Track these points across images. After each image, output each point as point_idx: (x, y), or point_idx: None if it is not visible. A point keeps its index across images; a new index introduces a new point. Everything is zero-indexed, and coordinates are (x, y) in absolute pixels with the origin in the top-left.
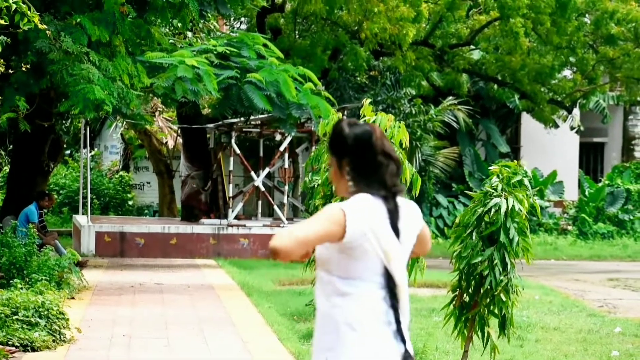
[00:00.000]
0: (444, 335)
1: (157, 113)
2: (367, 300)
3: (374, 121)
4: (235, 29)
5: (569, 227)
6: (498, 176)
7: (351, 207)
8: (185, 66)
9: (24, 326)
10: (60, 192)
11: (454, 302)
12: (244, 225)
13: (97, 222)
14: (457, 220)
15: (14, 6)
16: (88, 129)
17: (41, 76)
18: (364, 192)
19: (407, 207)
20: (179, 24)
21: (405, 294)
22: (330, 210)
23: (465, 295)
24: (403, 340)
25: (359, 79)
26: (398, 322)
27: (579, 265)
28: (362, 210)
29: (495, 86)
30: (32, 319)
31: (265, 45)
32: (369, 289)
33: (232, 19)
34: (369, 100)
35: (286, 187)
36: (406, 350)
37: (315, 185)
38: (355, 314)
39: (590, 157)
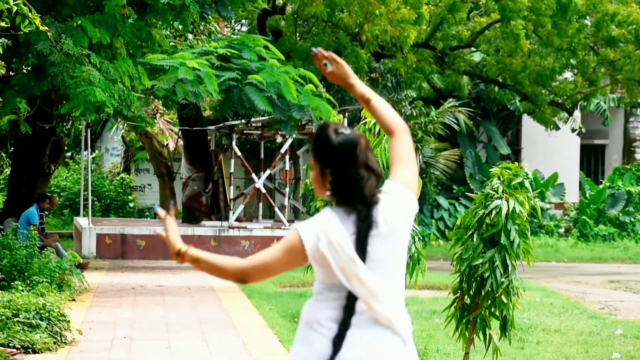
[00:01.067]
0: (445, 337)
1: (158, 115)
2: (332, 304)
3: (374, 123)
4: (236, 31)
5: (570, 230)
6: (499, 178)
7: (308, 227)
8: (186, 68)
9: (25, 328)
10: (61, 194)
11: (455, 304)
12: (245, 227)
13: (98, 224)
14: (458, 222)
15: (15, 8)
16: (89, 131)
17: (42, 78)
18: (339, 204)
19: (389, 204)
20: (180, 26)
21: (379, 307)
22: (289, 237)
23: (466, 297)
24: (337, 346)
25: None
26: (345, 327)
27: (579, 267)
28: (320, 227)
29: (496, 88)
30: (33, 321)
31: (266, 47)
32: (339, 293)
33: (232, 21)
34: None
35: (287, 189)
36: (331, 357)
37: None
38: (317, 315)
39: (591, 159)
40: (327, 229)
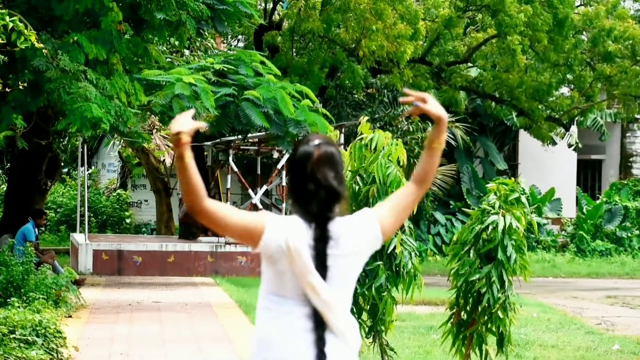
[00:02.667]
0: (442, 353)
1: (154, 131)
2: (287, 319)
3: (371, 139)
4: (233, 46)
5: (567, 245)
6: (495, 193)
7: (275, 221)
8: (182, 84)
9: (21, 345)
10: (58, 210)
11: (451, 320)
12: (242, 243)
13: (94, 240)
14: (454, 238)
15: (11, 25)
16: (85, 147)
17: (38, 94)
18: (297, 214)
19: (350, 225)
20: (176, 42)
21: (333, 318)
22: (257, 218)
23: (463, 312)
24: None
25: (356, 96)
26: (322, 343)
27: (577, 282)
28: (285, 228)
29: (493, 103)
30: (29, 338)
31: (262, 63)
32: (292, 305)
33: (229, 36)
34: (367, 117)
35: (284, 205)
36: None
37: None
38: (270, 333)
39: (588, 174)
40: (290, 233)
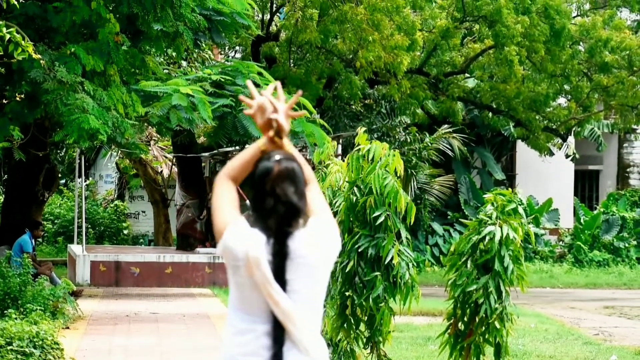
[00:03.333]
0: None
1: (152, 142)
2: (247, 334)
3: (368, 150)
4: (230, 57)
5: (565, 255)
6: (493, 204)
7: (239, 227)
8: (180, 95)
9: (19, 356)
10: (55, 221)
11: (449, 331)
12: None
13: (92, 251)
14: (452, 249)
15: (8, 36)
16: (83, 158)
17: (35, 106)
18: (257, 227)
19: (315, 241)
20: (174, 53)
21: (296, 331)
22: (234, 216)
23: (460, 323)
24: None
25: (354, 107)
26: (277, 358)
27: (574, 293)
28: (245, 237)
29: (490, 114)
30: (26, 349)
31: (260, 74)
32: (253, 322)
33: (226, 48)
34: (364, 128)
35: None
36: None
37: None
38: (231, 349)
39: (586, 185)
40: (250, 244)
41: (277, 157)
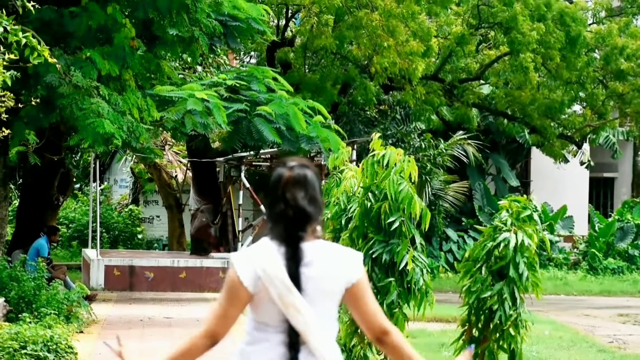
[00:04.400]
0: None
1: (166, 147)
2: (263, 343)
3: (383, 155)
4: (245, 63)
5: (579, 263)
6: (507, 211)
7: (242, 259)
8: (194, 99)
9: None
10: (70, 225)
11: (463, 337)
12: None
13: (106, 255)
14: (466, 255)
15: (24, 40)
16: (98, 162)
17: (51, 110)
18: (270, 234)
19: (330, 255)
20: (189, 58)
21: (313, 339)
22: (227, 276)
23: (474, 329)
24: None
25: (368, 113)
26: None
27: (589, 300)
28: (252, 256)
29: (505, 121)
30: (40, 353)
31: (274, 79)
32: (270, 332)
33: (242, 53)
34: (379, 134)
35: None
36: None
37: (325, 219)
38: (248, 356)
39: (600, 192)
40: (260, 259)
41: (291, 164)
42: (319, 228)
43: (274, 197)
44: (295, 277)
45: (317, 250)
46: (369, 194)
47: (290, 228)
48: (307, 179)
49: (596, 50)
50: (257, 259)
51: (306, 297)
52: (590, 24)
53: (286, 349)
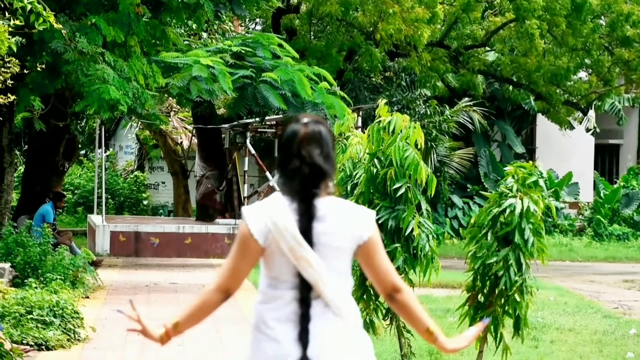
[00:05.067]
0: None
1: (172, 113)
2: (277, 301)
3: (389, 122)
4: (250, 29)
5: (585, 229)
6: (513, 177)
7: (253, 212)
8: (200, 66)
9: (39, 325)
10: (75, 192)
11: (468, 303)
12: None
13: (111, 221)
14: (472, 221)
15: (29, 6)
16: (103, 129)
17: (56, 76)
18: (282, 190)
19: (343, 211)
20: (194, 25)
21: (327, 291)
22: (239, 230)
23: (480, 295)
24: (305, 344)
25: (374, 79)
26: (305, 323)
27: (594, 266)
28: (263, 210)
29: (511, 87)
30: (46, 318)
31: (280, 46)
32: (282, 288)
33: (247, 19)
34: (385, 100)
35: None
36: (304, 356)
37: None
38: (264, 317)
39: (606, 159)
40: (271, 212)
41: (305, 120)
42: (331, 184)
43: (288, 154)
44: (307, 232)
45: (329, 206)
46: (375, 160)
47: (305, 185)
48: (322, 136)
49: (602, 17)
50: (268, 212)
51: (318, 253)
52: None
53: (298, 305)
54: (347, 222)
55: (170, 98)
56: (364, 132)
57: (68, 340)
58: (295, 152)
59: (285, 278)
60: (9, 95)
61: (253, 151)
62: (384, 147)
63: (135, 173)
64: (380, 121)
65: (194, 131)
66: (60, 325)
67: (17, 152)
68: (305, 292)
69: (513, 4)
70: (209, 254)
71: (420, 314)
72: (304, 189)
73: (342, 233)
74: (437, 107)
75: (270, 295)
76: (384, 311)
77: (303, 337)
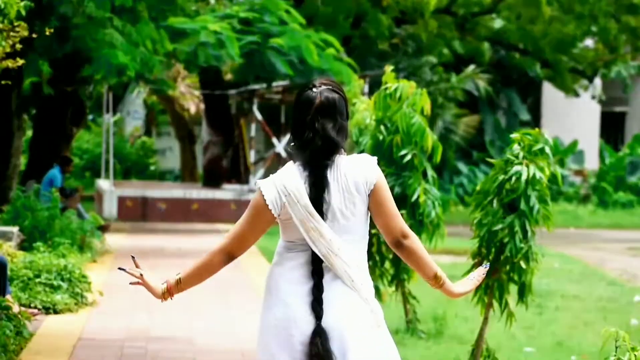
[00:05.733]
0: (464, 302)
1: (179, 79)
2: (290, 262)
3: (395, 88)
4: None
5: (590, 196)
6: (519, 144)
7: (268, 181)
8: (207, 31)
9: (47, 289)
10: (83, 156)
11: (473, 269)
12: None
13: (119, 187)
14: (477, 188)
15: None
16: (111, 94)
17: (65, 41)
18: (295, 158)
19: (348, 168)
20: None
21: (339, 262)
22: (254, 197)
23: (485, 262)
24: (319, 316)
25: (380, 46)
26: (318, 293)
27: (599, 234)
28: (278, 180)
29: (517, 55)
30: (54, 282)
31: (287, 12)
32: (296, 251)
33: None
34: (392, 67)
35: None
36: (318, 325)
37: None
38: (276, 279)
39: (611, 127)
40: (284, 182)
41: (320, 87)
42: (343, 152)
43: (301, 124)
44: (318, 200)
45: (341, 170)
46: (381, 127)
47: (317, 157)
48: (336, 105)
49: None
50: (281, 182)
51: (331, 220)
52: None
53: (310, 271)
54: (354, 174)
55: (178, 63)
56: (370, 99)
57: (76, 304)
58: (308, 123)
59: (300, 243)
60: (18, 59)
61: (260, 117)
62: (391, 114)
63: (143, 138)
64: (386, 88)
65: (201, 97)
66: (68, 289)
67: (26, 117)
68: (317, 262)
69: None
70: (216, 219)
71: (428, 259)
72: (316, 160)
73: (352, 189)
74: (443, 74)
75: (284, 257)
76: (389, 277)
77: (316, 308)
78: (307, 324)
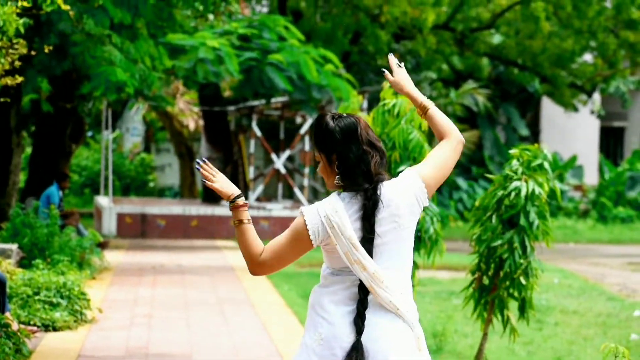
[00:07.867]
0: (463, 318)
1: (178, 95)
2: (336, 285)
3: (394, 104)
4: (257, 11)
5: (589, 211)
6: (518, 159)
7: (312, 211)
8: (206, 48)
9: (46, 306)
10: (82, 173)
11: (473, 285)
12: (265, 208)
13: (118, 203)
14: (477, 203)
15: None
16: (110, 110)
17: (63, 58)
18: (348, 187)
19: (394, 187)
20: (201, 7)
21: (383, 294)
22: (295, 222)
23: (484, 278)
24: (360, 330)
25: (379, 62)
26: (360, 311)
27: (598, 249)
28: (323, 211)
29: (516, 70)
30: (53, 299)
31: (286, 28)
32: (344, 276)
33: (253, 1)
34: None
35: (307, 170)
36: (357, 341)
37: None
38: (321, 300)
39: (610, 142)
40: (329, 213)
41: (343, 114)
42: (385, 176)
43: (353, 144)
44: (371, 220)
45: (390, 190)
46: None
47: (376, 168)
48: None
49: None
50: (326, 214)
51: (381, 242)
52: None
53: (356, 293)
54: (403, 200)
55: (177, 80)
56: (369, 115)
57: (75, 321)
58: (364, 140)
59: (345, 269)
60: (17, 76)
61: (259, 133)
62: (389, 129)
63: (142, 155)
64: (385, 104)
65: (200, 113)
66: (67, 306)
67: (24, 134)
68: (362, 292)
69: None
70: (215, 235)
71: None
72: (375, 174)
73: (403, 212)
74: (442, 90)
75: (329, 280)
76: None
77: (358, 323)
78: (348, 340)
